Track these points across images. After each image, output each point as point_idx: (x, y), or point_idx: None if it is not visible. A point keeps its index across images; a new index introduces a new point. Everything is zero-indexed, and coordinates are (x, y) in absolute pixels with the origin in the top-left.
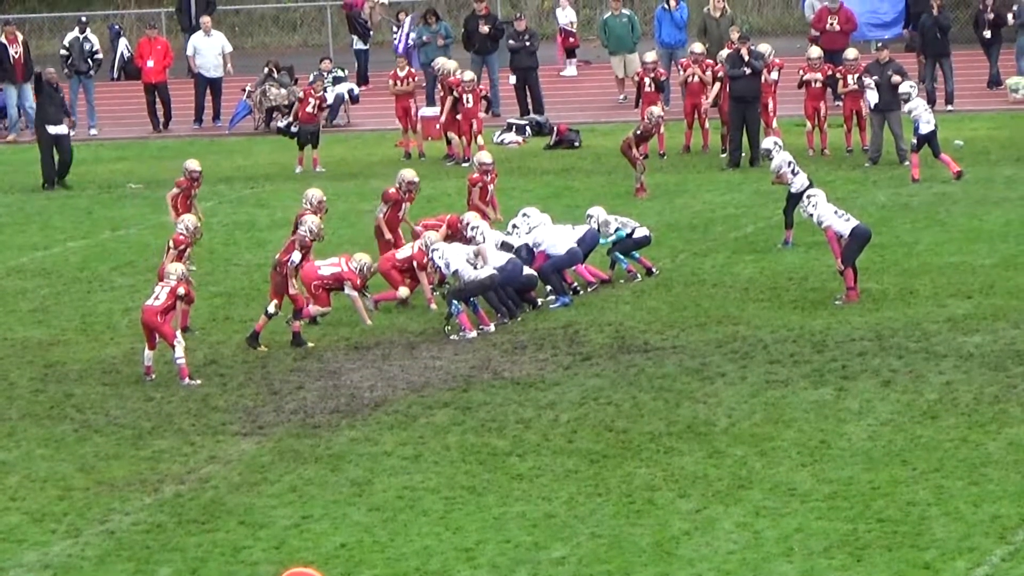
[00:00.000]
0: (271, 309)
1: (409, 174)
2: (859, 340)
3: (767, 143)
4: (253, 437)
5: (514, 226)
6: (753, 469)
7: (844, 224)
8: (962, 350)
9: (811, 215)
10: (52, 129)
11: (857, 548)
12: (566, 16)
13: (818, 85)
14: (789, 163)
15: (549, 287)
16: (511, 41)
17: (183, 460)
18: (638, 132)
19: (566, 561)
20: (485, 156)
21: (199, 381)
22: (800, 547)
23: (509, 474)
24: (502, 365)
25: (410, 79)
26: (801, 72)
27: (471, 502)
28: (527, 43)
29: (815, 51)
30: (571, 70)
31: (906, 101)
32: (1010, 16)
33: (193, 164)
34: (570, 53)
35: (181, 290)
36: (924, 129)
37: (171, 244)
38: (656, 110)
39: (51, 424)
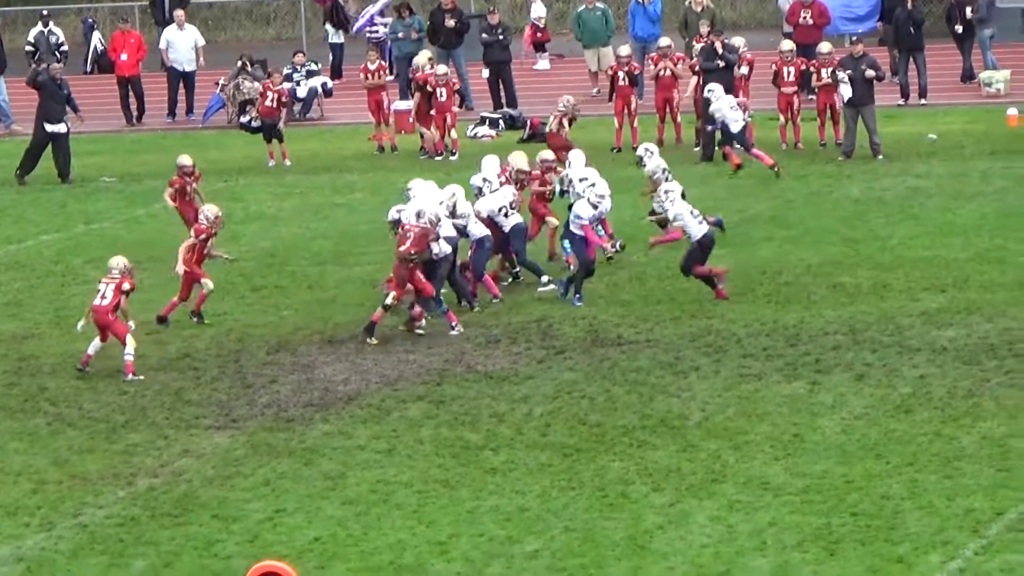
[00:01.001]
0: (389, 301)
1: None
2: (833, 334)
3: (640, 149)
4: (227, 431)
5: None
6: (727, 463)
7: (697, 227)
8: (936, 344)
9: (665, 210)
10: (50, 127)
11: (831, 542)
12: (536, 11)
13: (791, 79)
14: (664, 169)
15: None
16: (484, 35)
17: (156, 454)
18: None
19: (540, 555)
20: (547, 154)
21: (141, 377)
22: (774, 541)
23: (483, 468)
24: (476, 359)
25: (381, 72)
26: (773, 66)
27: (445, 496)
28: (500, 37)
29: (787, 44)
30: (544, 64)
31: (708, 103)
32: (969, 10)
33: (185, 160)
34: (539, 47)
35: (126, 286)
36: (734, 128)
37: (192, 234)
38: (570, 99)
39: (24, 417)
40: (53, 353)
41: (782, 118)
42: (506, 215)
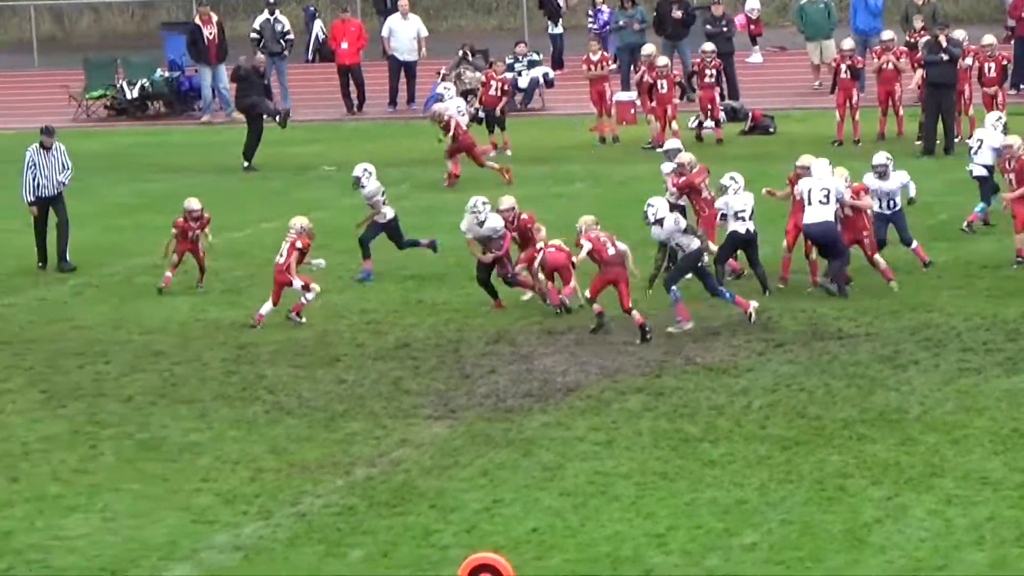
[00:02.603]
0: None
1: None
2: None
3: (357, 169)
4: (445, 421)
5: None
6: (945, 457)
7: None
8: None
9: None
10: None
11: None
12: (750, 3)
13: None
14: (383, 192)
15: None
16: (708, 26)
17: (375, 443)
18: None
19: (757, 547)
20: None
21: (303, 320)
22: (992, 536)
23: (701, 460)
24: (695, 351)
25: (603, 63)
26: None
27: (663, 488)
28: (724, 28)
29: (988, 38)
30: (756, 57)
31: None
32: None
33: (193, 204)
34: (753, 40)
35: (299, 244)
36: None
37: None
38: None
39: (243, 406)
40: (272, 341)
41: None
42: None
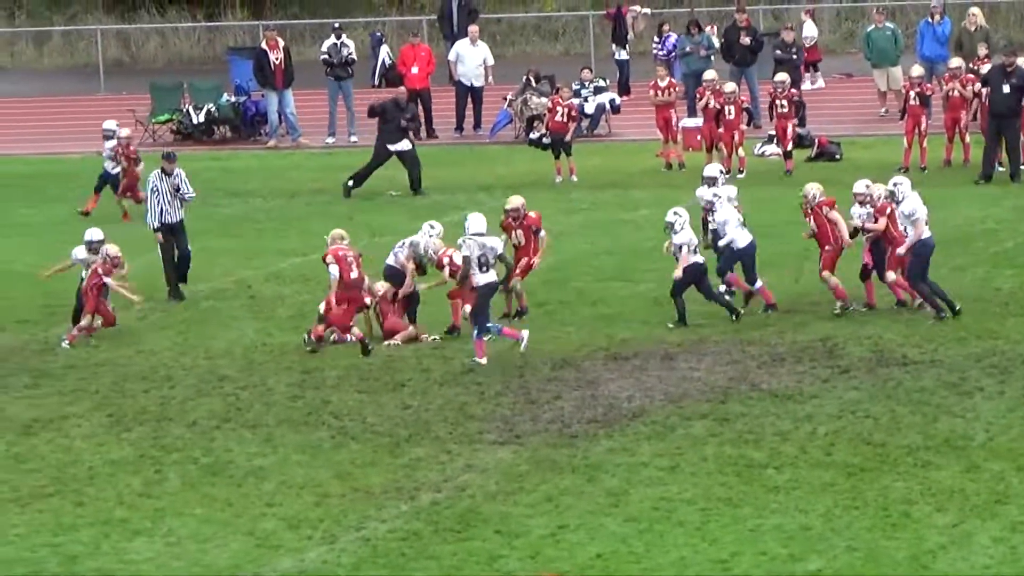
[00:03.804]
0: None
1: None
2: None
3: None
4: (510, 446)
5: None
6: (1010, 484)
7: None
8: None
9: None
10: (392, 147)
11: None
12: (808, 30)
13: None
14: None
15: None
16: (778, 51)
17: (440, 468)
18: None
19: (821, 573)
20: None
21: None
22: None
23: (766, 486)
24: (760, 377)
25: (671, 89)
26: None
27: (727, 513)
28: (794, 56)
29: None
30: (819, 83)
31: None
32: None
33: (113, 249)
34: (813, 67)
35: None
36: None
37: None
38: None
39: (308, 431)
40: (337, 366)
41: None
42: None
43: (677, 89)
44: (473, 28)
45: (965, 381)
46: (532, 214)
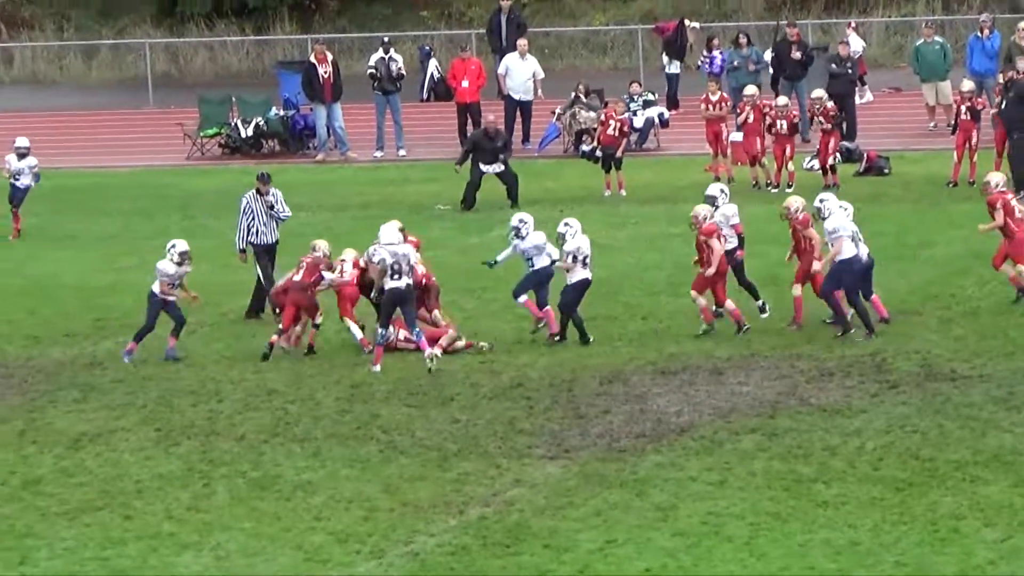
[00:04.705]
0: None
1: None
2: None
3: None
4: (559, 460)
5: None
6: None
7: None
8: None
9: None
10: (484, 168)
11: None
12: (854, 44)
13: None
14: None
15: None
16: (833, 65)
17: (488, 483)
18: None
19: None
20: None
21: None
22: None
23: (814, 501)
24: (808, 392)
25: (722, 103)
26: None
27: (776, 528)
28: (848, 70)
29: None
30: (868, 96)
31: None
32: None
33: (323, 245)
34: (860, 81)
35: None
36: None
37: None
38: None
39: (356, 444)
40: (385, 380)
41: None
42: None
43: (728, 103)
44: (522, 42)
45: (1014, 396)
46: (412, 238)
